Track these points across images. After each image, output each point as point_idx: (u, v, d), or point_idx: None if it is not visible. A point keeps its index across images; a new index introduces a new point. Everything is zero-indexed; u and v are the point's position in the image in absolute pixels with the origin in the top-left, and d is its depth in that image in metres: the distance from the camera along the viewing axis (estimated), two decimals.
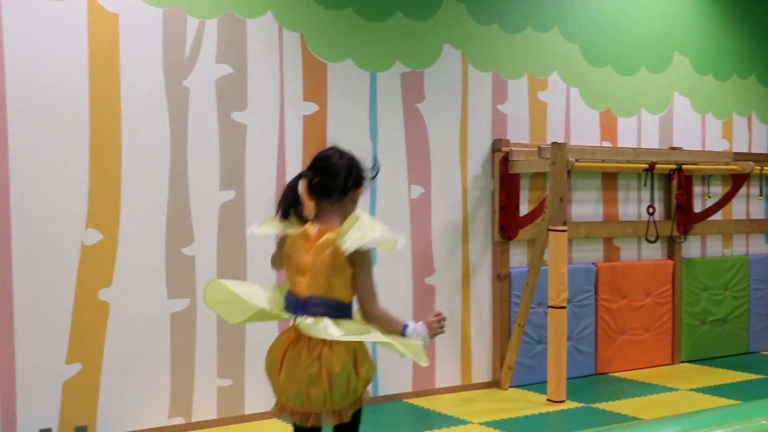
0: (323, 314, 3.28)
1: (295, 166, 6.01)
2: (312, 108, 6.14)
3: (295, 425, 3.36)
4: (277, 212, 3.48)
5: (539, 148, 6.69)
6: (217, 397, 5.78)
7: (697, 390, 6.80)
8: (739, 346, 8.42)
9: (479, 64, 6.88)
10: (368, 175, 3.60)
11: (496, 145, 6.91)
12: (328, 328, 3.18)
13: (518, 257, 7.08)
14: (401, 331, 3.30)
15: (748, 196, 8.54)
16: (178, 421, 5.65)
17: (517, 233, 6.89)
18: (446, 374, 6.73)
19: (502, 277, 6.93)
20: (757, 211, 8.66)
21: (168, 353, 5.60)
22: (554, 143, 6.36)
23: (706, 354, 8.16)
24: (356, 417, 3.34)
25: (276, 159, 5.99)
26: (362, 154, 6.38)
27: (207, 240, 5.74)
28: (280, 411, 3.41)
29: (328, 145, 3.77)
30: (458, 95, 6.78)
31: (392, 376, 6.48)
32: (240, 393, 5.86)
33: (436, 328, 3.36)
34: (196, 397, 5.71)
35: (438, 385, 6.67)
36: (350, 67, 6.29)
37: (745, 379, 7.26)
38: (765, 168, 8.13)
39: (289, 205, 3.45)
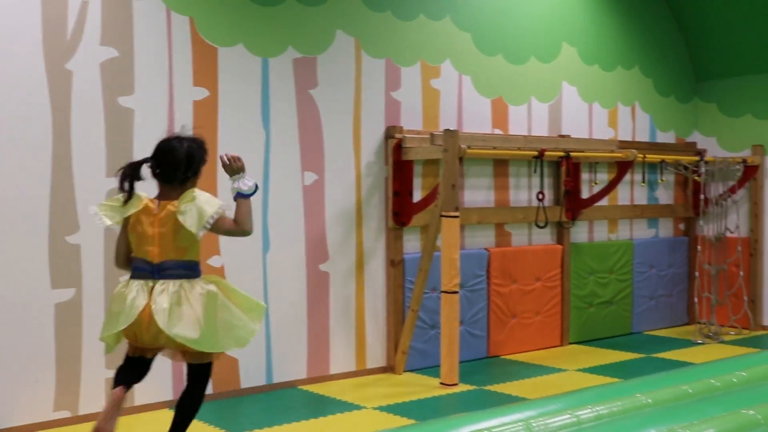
0: (178, 276, 4.02)
1: None
2: (202, 93, 6.02)
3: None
4: (121, 192, 4.08)
5: (432, 135, 6.76)
6: (105, 389, 5.59)
7: (584, 370, 6.99)
8: (624, 327, 8.70)
9: (372, 50, 6.88)
10: (207, 159, 4.24)
11: (390, 132, 6.93)
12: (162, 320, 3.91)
13: (412, 243, 7.12)
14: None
15: (632, 182, 8.83)
16: (64, 414, 5.47)
17: (411, 219, 6.93)
18: (341, 360, 6.73)
19: (395, 263, 6.96)
20: (640, 197, 8.96)
21: (53, 345, 5.42)
22: (446, 130, 6.42)
23: (593, 335, 8.40)
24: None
25: None
26: (254, 140, 6.38)
27: (93, 228, 5.55)
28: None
29: (178, 131, 4.37)
30: (351, 82, 6.76)
31: (287, 363, 6.45)
32: None
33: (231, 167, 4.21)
34: (83, 389, 5.55)
35: (333, 371, 6.66)
36: (241, 52, 6.20)
37: (628, 359, 7.51)
38: (648, 156, 8.39)
39: (132, 187, 4.08)
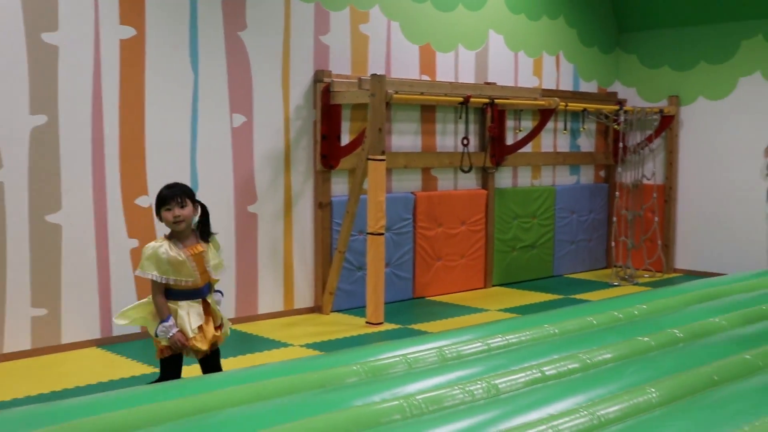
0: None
1: (112, 91, 5.88)
2: (129, 32, 5.96)
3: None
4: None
5: (360, 79, 6.82)
6: (32, 327, 5.63)
7: (505, 310, 7.22)
8: (545, 270, 8.97)
9: None
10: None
11: (318, 76, 6.97)
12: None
13: (339, 186, 7.22)
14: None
15: (555, 130, 9.02)
16: None
17: (338, 162, 7.02)
18: (269, 300, 6.83)
19: (323, 206, 7.06)
20: (562, 145, 9.17)
21: None
22: (374, 75, 6.48)
23: (516, 278, 8.64)
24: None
25: (91, 84, 5.81)
26: (183, 82, 6.35)
27: (17, 165, 5.53)
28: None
29: None
30: (280, 25, 6.76)
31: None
32: (56, 322, 5.74)
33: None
34: (8, 327, 5.55)
35: (261, 311, 6.77)
36: None
37: (548, 299, 7.76)
38: (570, 104, 8.60)
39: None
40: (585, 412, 2.88)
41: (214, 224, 6.36)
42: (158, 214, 4.12)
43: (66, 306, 5.79)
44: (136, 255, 6.06)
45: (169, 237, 4.12)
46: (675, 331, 4.10)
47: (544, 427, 2.74)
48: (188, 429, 2.73)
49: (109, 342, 5.94)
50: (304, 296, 7.05)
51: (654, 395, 3.11)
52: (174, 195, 4.07)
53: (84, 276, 5.86)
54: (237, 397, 3.05)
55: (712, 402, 3.09)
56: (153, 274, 3.99)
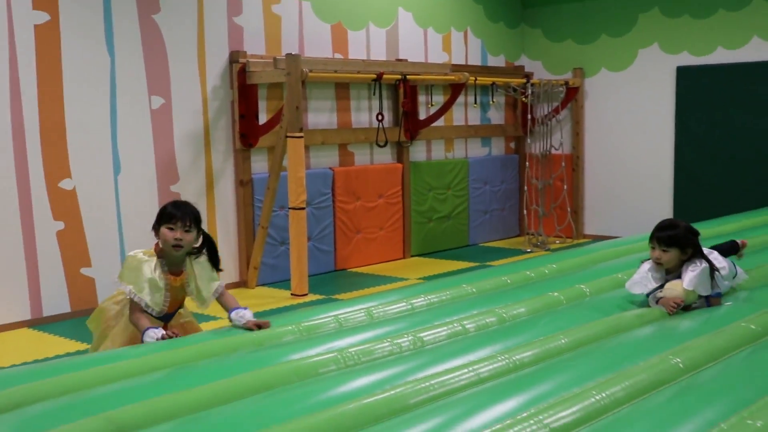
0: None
1: (29, 76, 5.93)
2: (43, 17, 6.01)
3: None
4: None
5: (275, 59, 6.99)
6: None
7: (425, 278, 7.53)
8: (461, 240, 9.31)
9: None
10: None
11: (234, 57, 7.12)
12: None
13: (259, 164, 7.41)
14: None
15: (465, 104, 9.31)
16: None
17: (258, 141, 7.20)
18: None
19: (244, 183, 7.25)
20: (474, 118, 9.48)
21: None
22: (288, 55, 6.67)
23: (433, 248, 8.96)
24: None
25: (8, 69, 5.85)
26: (99, 66, 6.42)
27: None
28: None
29: None
30: (194, 7, 6.87)
31: None
32: None
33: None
34: None
35: None
36: None
37: (465, 267, 8.11)
38: (479, 78, 8.89)
39: None
40: (502, 357, 3.21)
41: (137, 204, 6.59)
42: (156, 228, 3.75)
43: None
44: (62, 237, 6.18)
45: (159, 255, 3.77)
46: (582, 286, 4.47)
47: (466, 371, 3.06)
48: (145, 388, 2.96)
49: (40, 323, 6.06)
50: (229, 271, 7.22)
51: (563, 341, 3.46)
52: (182, 216, 3.71)
53: (12, 259, 5.95)
54: (177, 358, 3.28)
55: (614, 346, 3.44)
56: (130, 289, 3.66)
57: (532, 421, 2.56)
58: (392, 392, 2.83)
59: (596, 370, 3.06)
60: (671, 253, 4.04)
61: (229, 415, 2.69)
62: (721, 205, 8.36)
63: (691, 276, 3.99)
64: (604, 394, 2.78)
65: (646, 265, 4.14)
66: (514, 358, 3.23)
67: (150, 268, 3.69)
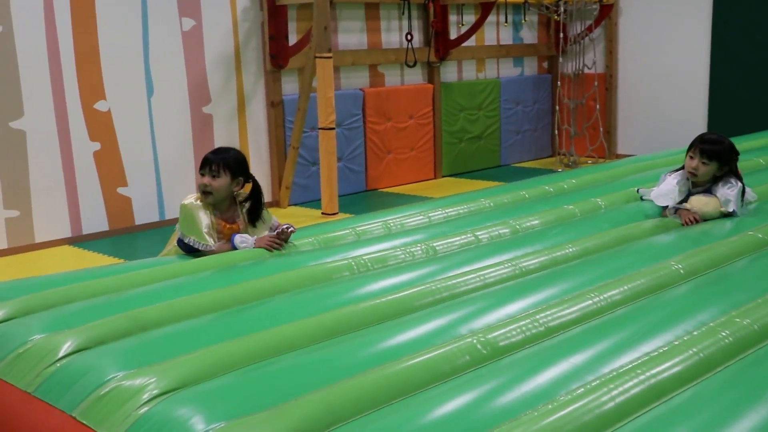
0: None
1: (63, 1, 6.05)
2: None
3: None
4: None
5: None
6: (6, 228, 5.95)
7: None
8: (493, 160, 9.38)
9: None
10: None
11: None
12: None
13: (290, 85, 7.50)
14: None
15: (497, 23, 9.25)
16: None
17: (288, 62, 7.28)
18: None
19: (275, 104, 7.37)
20: (506, 38, 9.44)
21: None
22: None
23: (464, 168, 9.05)
24: None
25: None
26: None
27: None
28: None
29: None
30: None
31: (177, 200, 6.76)
32: (29, 223, 6.05)
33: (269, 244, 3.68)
34: None
35: None
36: None
37: (495, 187, 8.19)
38: None
39: None
40: (509, 264, 3.37)
41: (170, 125, 6.74)
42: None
43: (36, 207, 6.07)
44: (99, 157, 6.37)
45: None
46: (598, 200, 4.59)
47: (473, 276, 3.22)
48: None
49: (80, 240, 6.28)
50: (263, 190, 7.38)
51: (571, 250, 3.60)
52: (211, 162, 3.71)
53: (51, 178, 6.14)
54: (199, 266, 3.48)
55: (619, 254, 3.58)
56: (192, 240, 3.65)
57: (528, 320, 2.71)
58: (399, 295, 3.00)
59: (599, 277, 3.21)
60: (710, 167, 4.11)
61: (243, 317, 2.89)
62: (756, 122, 8.30)
63: (729, 194, 4.06)
64: (601, 297, 2.93)
65: (674, 178, 4.20)
66: (520, 265, 3.39)
67: (205, 214, 3.68)
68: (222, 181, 3.70)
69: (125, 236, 6.48)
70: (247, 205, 3.86)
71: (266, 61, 7.28)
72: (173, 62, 6.75)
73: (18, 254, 5.95)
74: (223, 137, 7.11)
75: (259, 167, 7.36)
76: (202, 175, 3.73)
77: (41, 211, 6.11)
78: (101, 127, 6.38)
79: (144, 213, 6.70)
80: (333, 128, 6.84)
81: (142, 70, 6.56)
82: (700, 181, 4.17)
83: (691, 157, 4.14)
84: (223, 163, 3.71)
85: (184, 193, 6.78)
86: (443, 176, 8.82)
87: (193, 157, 6.92)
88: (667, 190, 4.19)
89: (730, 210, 4.06)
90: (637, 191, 4.61)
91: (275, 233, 3.73)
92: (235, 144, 7.17)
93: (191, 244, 3.66)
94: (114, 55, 6.40)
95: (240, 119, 7.22)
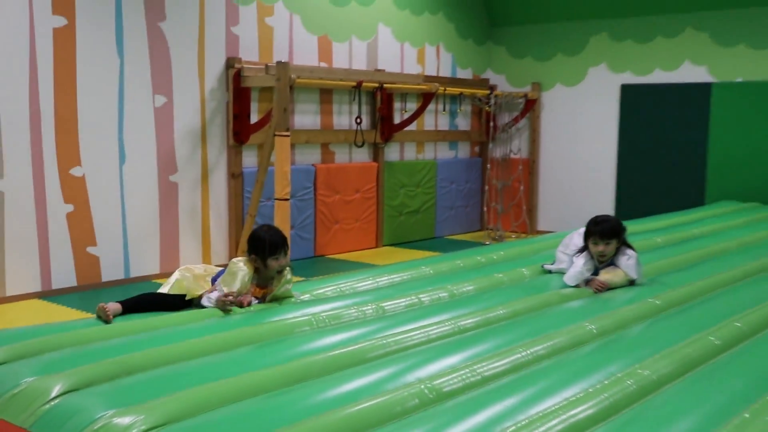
0: None
1: (47, 73, 6.13)
2: (61, 21, 6.19)
3: None
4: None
5: (266, 66, 7.21)
6: None
7: None
8: (428, 232, 9.55)
9: None
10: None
11: (230, 62, 7.33)
12: None
13: (250, 159, 7.63)
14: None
15: (436, 111, 9.53)
16: None
17: (249, 138, 7.42)
18: (189, 257, 7.21)
19: (236, 176, 7.48)
20: (443, 124, 9.71)
21: None
22: (279, 62, 6.79)
23: (403, 239, 9.20)
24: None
25: (28, 67, 6.04)
26: (110, 66, 6.61)
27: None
28: None
29: None
30: (195, 16, 7.07)
31: (142, 260, 6.89)
32: (1, 277, 6.00)
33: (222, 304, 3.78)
34: None
35: (182, 266, 7.05)
36: None
37: (431, 257, 8.36)
38: (448, 89, 9.16)
39: None
40: (449, 323, 3.56)
41: (139, 191, 6.80)
42: (262, 257, 3.84)
43: (9, 262, 6.04)
44: (71, 218, 6.39)
45: (256, 269, 3.90)
46: (523, 270, 4.83)
47: (418, 332, 3.40)
48: None
49: (49, 294, 6.24)
50: (219, 254, 7.47)
51: (502, 312, 3.82)
52: (282, 245, 3.86)
53: (25, 236, 6.12)
54: (183, 319, 3.59)
55: (543, 315, 3.81)
56: (221, 287, 3.82)
57: (467, 370, 2.91)
58: (355, 347, 3.17)
59: (526, 334, 3.42)
60: (612, 245, 4.35)
61: (218, 363, 3.01)
62: (656, 205, 8.72)
63: (631, 264, 4.31)
64: (528, 351, 3.14)
65: (580, 260, 4.41)
66: (459, 324, 3.58)
67: (244, 279, 3.80)
68: (288, 257, 3.93)
69: (92, 291, 6.46)
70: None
71: (229, 136, 7.39)
72: (145, 134, 6.83)
73: None
74: (188, 203, 7.18)
75: (218, 231, 7.43)
76: (277, 259, 3.82)
77: (13, 266, 6.07)
78: (75, 190, 6.41)
79: (110, 270, 6.70)
80: (288, 199, 6.90)
81: (116, 139, 6.63)
82: (606, 259, 4.42)
83: (595, 243, 4.35)
84: (286, 244, 3.90)
85: (150, 253, 6.92)
86: (384, 245, 8.93)
87: (158, 220, 6.98)
88: (576, 272, 4.38)
89: (635, 277, 4.34)
90: (542, 267, 4.84)
91: (233, 299, 3.78)
92: (197, 210, 7.24)
93: (219, 290, 3.79)
94: (91, 124, 6.45)
95: (203, 188, 7.31)
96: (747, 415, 2.55)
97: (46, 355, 3.09)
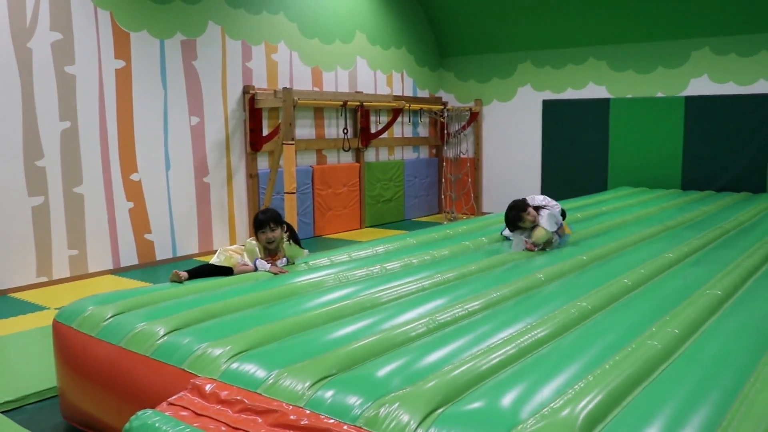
0: None
1: (111, 103, 6.25)
2: (121, 64, 6.32)
3: None
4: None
5: (274, 91, 7.38)
6: (69, 262, 6.03)
7: (375, 241, 7.96)
8: (399, 216, 9.66)
9: (233, 35, 7.33)
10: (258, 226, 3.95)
11: (246, 90, 7.45)
12: None
13: (263, 163, 7.73)
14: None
15: (402, 123, 9.65)
16: (43, 279, 5.86)
17: (262, 147, 7.55)
18: (219, 240, 7.32)
19: (253, 176, 7.62)
20: (408, 132, 9.82)
21: (31, 232, 5.75)
22: (284, 88, 6.94)
23: (380, 221, 9.31)
24: None
25: (97, 98, 6.16)
26: (157, 96, 6.78)
27: (53, 154, 5.84)
28: None
29: None
30: (219, 55, 7.21)
31: (185, 243, 7.01)
32: (84, 258, 6.14)
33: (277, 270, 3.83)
34: (54, 262, 5.90)
35: (215, 247, 7.22)
36: (146, 36, 6.50)
37: (402, 233, 8.54)
38: (412, 105, 9.28)
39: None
40: (437, 276, 3.69)
41: (181, 189, 6.96)
42: (255, 234, 3.91)
43: (90, 247, 6.17)
44: (133, 213, 6.53)
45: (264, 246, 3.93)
46: (483, 239, 4.89)
47: (414, 284, 3.59)
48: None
49: (118, 271, 6.38)
50: (242, 236, 7.57)
51: (473, 267, 3.97)
52: (267, 221, 3.86)
53: (100, 227, 6.26)
54: (236, 279, 3.76)
55: (507, 269, 3.95)
56: (245, 260, 3.89)
57: (459, 308, 3.11)
58: (358, 298, 3.30)
59: (492, 282, 3.54)
60: (527, 215, 4.38)
61: (272, 309, 3.16)
62: (572, 190, 8.93)
63: (543, 220, 4.37)
64: (497, 294, 3.33)
65: (515, 237, 4.52)
66: (444, 277, 3.71)
67: (259, 250, 3.90)
68: (278, 232, 3.92)
69: (150, 268, 6.61)
70: (286, 238, 4.07)
71: (247, 146, 7.51)
72: (184, 146, 6.97)
73: (77, 281, 6.03)
74: (217, 198, 7.32)
75: (241, 220, 7.57)
76: (263, 232, 3.86)
77: (93, 250, 6.20)
78: (134, 191, 6.53)
79: (162, 251, 6.84)
80: (294, 193, 7.10)
81: (163, 151, 6.76)
82: (528, 228, 4.51)
83: (522, 222, 4.41)
84: (273, 221, 3.89)
85: (192, 238, 7.08)
86: (366, 227, 9.03)
87: (196, 213, 7.12)
88: (516, 242, 4.49)
89: (548, 227, 4.33)
90: (501, 233, 5.00)
91: (279, 268, 3.90)
92: (225, 203, 7.39)
93: (245, 263, 3.86)
94: (144, 140, 6.59)
95: (228, 186, 7.45)
96: (654, 329, 2.79)
97: (146, 308, 3.22)
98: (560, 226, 4.55)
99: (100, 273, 6.25)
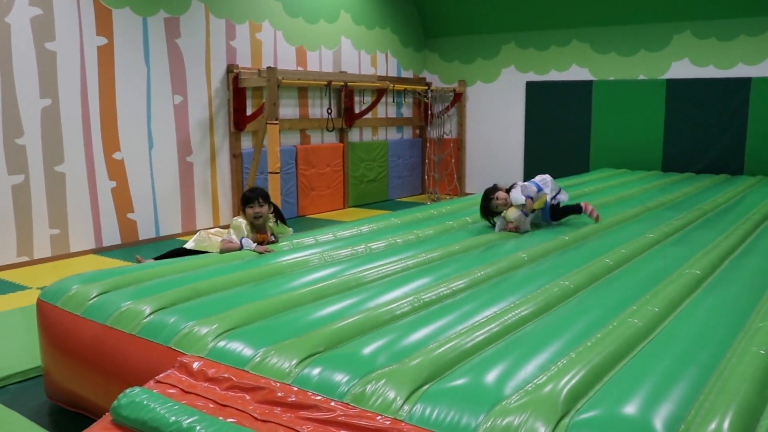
0: None
1: (93, 81, 6.19)
2: (103, 41, 6.25)
3: None
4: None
5: (258, 70, 7.34)
6: (50, 241, 5.99)
7: (359, 221, 8.00)
8: (383, 196, 9.70)
9: (216, 13, 7.26)
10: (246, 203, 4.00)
11: (230, 68, 7.40)
12: None
13: (247, 142, 7.72)
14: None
15: (386, 103, 9.66)
16: (24, 258, 5.83)
17: (245, 126, 7.52)
18: (203, 221, 7.31)
19: (236, 156, 7.59)
20: (392, 113, 9.83)
21: (11, 211, 5.70)
22: (268, 68, 6.91)
23: (364, 201, 9.35)
24: None
25: (79, 76, 6.10)
26: (139, 75, 6.71)
27: (33, 132, 5.79)
28: None
29: None
30: (203, 33, 7.14)
31: (168, 222, 6.98)
32: (65, 238, 6.11)
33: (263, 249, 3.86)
34: (35, 241, 5.87)
35: (198, 227, 7.23)
36: (128, 12, 6.42)
37: (385, 214, 8.58)
38: (396, 85, 9.30)
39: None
40: (421, 256, 3.75)
41: (164, 169, 6.93)
42: (243, 209, 3.98)
43: (71, 227, 6.13)
44: (115, 192, 6.49)
45: (250, 221, 3.99)
46: (468, 218, 4.95)
47: (398, 264, 3.64)
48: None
49: (100, 250, 6.35)
50: (226, 216, 7.56)
51: (457, 247, 4.03)
52: (256, 197, 3.95)
53: (82, 206, 6.22)
54: (219, 258, 3.77)
55: (491, 249, 4.03)
56: (233, 237, 3.93)
57: (444, 288, 3.16)
58: (344, 277, 3.33)
59: (476, 261, 3.61)
60: (498, 198, 4.44)
61: (259, 288, 3.20)
62: (554, 171, 8.90)
63: (515, 195, 4.39)
64: (482, 273, 3.39)
65: (499, 218, 4.56)
66: (428, 257, 3.79)
67: (246, 228, 3.95)
68: (266, 208, 3.99)
69: (132, 247, 6.58)
70: (272, 218, 4.14)
71: (230, 125, 7.47)
72: (167, 125, 6.92)
73: (59, 260, 5.99)
74: (200, 178, 7.29)
75: (224, 200, 7.54)
76: (251, 207, 3.94)
77: (74, 229, 6.17)
78: (117, 170, 6.49)
79: (145, 231, 6.82)
80: (278, 173, 7.06)
81: (146, 130, 6.71)
82: (503, 206, 4.47)
83: (495, 204, 4.44)
84: (262, 197, 3.97)
85: (175, 217, 7.05)
86: (350, 207, 9.06)
87: (179, 192, 7.08)
88: (499, 224, 4.49)
89: (518, 202, 4.34)
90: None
91: (263, 249, 3.90)
92: (208, 183, 7.36)
93: (234, 240, 3.89)
94: (127, 119, 6.54)
95: (212, 166, 7.42)
96: (635, 307, 2.86)
97: (132, 287, 3.22)
98: (537, 199, 4.47)
99: (83, 252, 6.22)
